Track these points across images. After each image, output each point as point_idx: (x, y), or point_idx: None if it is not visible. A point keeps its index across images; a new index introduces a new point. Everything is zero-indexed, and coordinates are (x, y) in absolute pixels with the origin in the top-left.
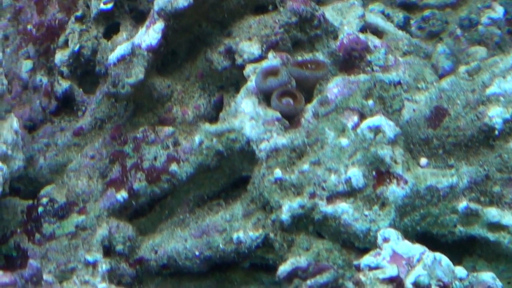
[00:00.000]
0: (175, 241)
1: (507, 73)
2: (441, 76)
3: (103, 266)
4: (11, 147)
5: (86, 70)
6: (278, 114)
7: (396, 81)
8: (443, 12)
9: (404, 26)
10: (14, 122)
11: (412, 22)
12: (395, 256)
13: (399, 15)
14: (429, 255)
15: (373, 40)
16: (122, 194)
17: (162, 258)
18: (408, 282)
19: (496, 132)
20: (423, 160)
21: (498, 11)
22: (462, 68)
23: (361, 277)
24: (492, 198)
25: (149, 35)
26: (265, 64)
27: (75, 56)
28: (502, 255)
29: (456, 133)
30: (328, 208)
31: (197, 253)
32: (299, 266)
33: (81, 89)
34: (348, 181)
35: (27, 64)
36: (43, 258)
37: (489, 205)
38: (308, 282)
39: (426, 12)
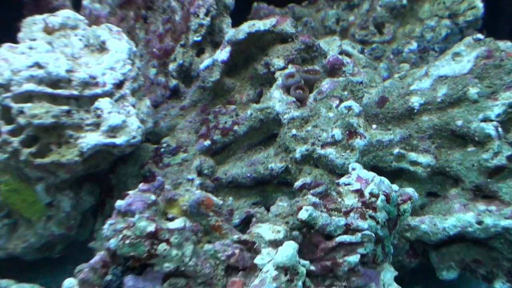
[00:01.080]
0: (236, 168)
1: (421, 78)
2: (384, 80)
3: (197, 181)
4: (145, 115)
5: (186, 74)
6: (294, 99)
7: (359, 81)
8: (383, 45)
9: (361, 52)
10: (147, 102)
11: (366, 50)
12: (359, 178)
13: (359, 47)
14: (377, 178)
15: (346, 59)
16: (207, 142)
17: (229, 178)
18: (366, 192)
19: (415, 111)
20: (374, 126)
21: (414, 45)
22: (396, 76)
23: (340, 189)
24: (412, 147)
25: (222, 54)
26: (286, 71)
27: (180, 66)
28: (417, 179)
29: (392, 111)
30: (321, 151)
31: (248, 175)
32: (306, 182)
33: (183, 85)
34: (333, 136)
35: (153, 71)
36: (163, 177)
37: (410, 151)
38: (311, 191)
39: (373, 45)
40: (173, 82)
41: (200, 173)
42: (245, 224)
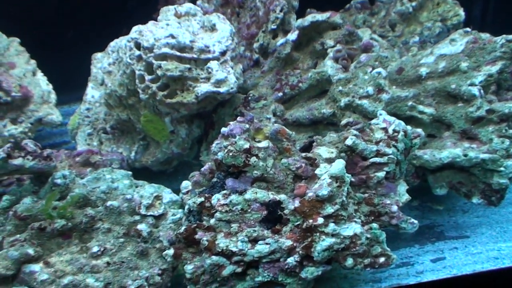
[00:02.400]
0: (299, 112)
1: (427, 56)
2: (400, 57)
3: (272, 119)
4: (239, 75)
5: (264, 51)
6: (340, 66)
7: (385, 56)
8: (395, 38)
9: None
10: (240, 66)
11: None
12: (384, 120)
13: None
14: (397, 121)
15: (374, 43)
16: (280, 94)
17: (293, 118)
18: (390, 129)
19: (423, 77)
20: (394, 87)
21: (416, 38)
22: (410, 54)
23: (372, 127)
24: (420, 102)
25: (292, 35)
26: (335, 48)
27: (261, 45)
28: (422, 123)
29: (407, 77)
30: (358, 102)
31: (307, 117)
32: (349, 121)
33: (262, 58)
34: (367, 92)
35: (242, 48)
36: (245, 117)
37: (419, 104)
38: (354, 127)
39: (389, 38)
40: (256, 56)
41: (274, 114)
42: (303, 150)
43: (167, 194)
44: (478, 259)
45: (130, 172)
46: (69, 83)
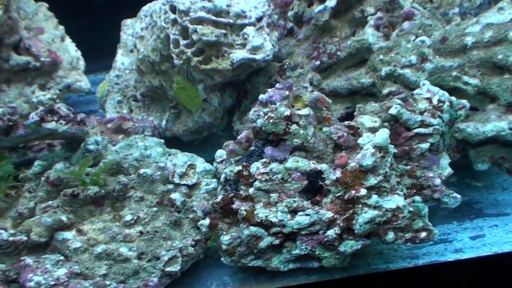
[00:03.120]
0: (336, 82)
1: (473, 25)
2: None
3: (309, 89)
4: (274, 42)
5: (298, 20)
6: (382, 34)
7: (429, 24)
8: (433, 9)
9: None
10: (276, 33)
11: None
12: (428, 91)
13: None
14: (441, 91)
15: (416, 11)
16: (317, 62)
17: (330, 88)
18: (435, 99)
19: (468, 47)
20: (437, 57)
21: (456, 10)
22: (453, 23)
23: (415, 97)
24: (465, 72)
25: (331, 2)
26: (376, 15)
27: (295, 14)
28: (465, 95)
29: (451, 47)
30: (400, 71)
31: (345, 86)
32: (392, 90)
33: (296, 27)
34: (409, 61)
35: (275, 17)
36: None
37: (463, 75)
38: (396, 96)
39: (427, 9)
40: (290, 24)
41: (311, 83)
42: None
43: (201, 163)
44: None
45: (162, 140)
46: (95, 52)
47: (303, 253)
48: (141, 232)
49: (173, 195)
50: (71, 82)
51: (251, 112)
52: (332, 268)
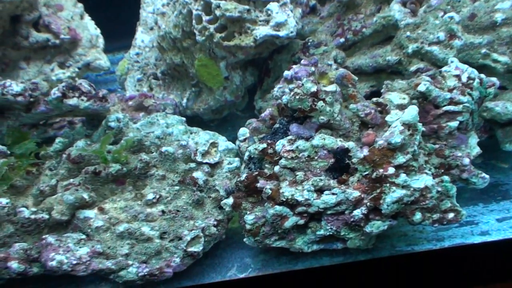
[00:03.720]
0: (361, 60)
1: (503, 1)
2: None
3: (333, 66)
4: (298, 19)
5: None
6: (409, 10)
7: (457, 0)
8: None
9: None
10: (299, 10)
11: None
12: (457, 68)
13: None
14: (470, 68)
15: None
16: (342, 39)
17: (355, 66)
18: (464, 76)
19: (497, 24)
20: (465, 34)
21: None
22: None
23: (444, 74)
24: (494, 50)
25: None
26: None
27: None
28: (494, 73)
29: (479, 24)
30: (428, 48)
31: (370, 64)
32: (419, 67)
33: (318, 4)
34: (437, 38)
35: None
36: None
37: (493, 52)
38: (425, 74)
39: None
40: (312, 2)
41: (335, 61)
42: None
43: (223, 142)
44: None
45: (184, 118)
46: (113, 31)
47: (328, 233)
48: (163, 211)
49: (196, 174)
50: (90, 60)
51: (275, 89)
52: (356, 250)
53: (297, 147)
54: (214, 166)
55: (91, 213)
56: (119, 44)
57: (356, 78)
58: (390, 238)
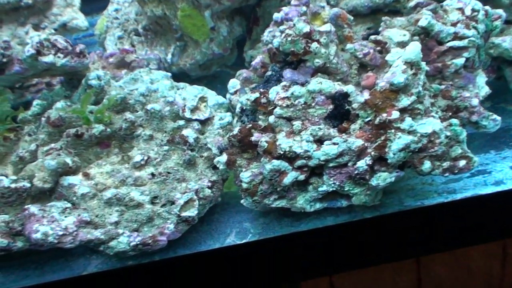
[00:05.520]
0: (356, 0)
1: None
2: None
3: (327, 8)
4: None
5: None
6: None
7: None
8: None
9: None
10: None
11: None
12: (459, 1)
13: None
14: (474, 0)
15: None
16: None
17: (349, 8)
18: (468, 9)
19: None
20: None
21: None
22: None
23: (446, 8)
24: None
25: None
26: None
27: None
28: (501, 5)
29: None
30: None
31: (365, 4)
32: (419, 2)
33: None
34: None
35: None
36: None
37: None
38: (425, 8)
39: None
40: None
41: (328, 2)
42: None
43: (213, 96)
44: None
45: (169, 73)
46: None
47: (330, 189)
48: (152, 174)
49: (185, 132)
50: (66, 20)
51: (265, 33)
52: (361, 207)
53: (292, 93)
54: (205, 122)
55: (75, 179)
56: (97, 5)
57: (352, 18)
58: (397, 193)
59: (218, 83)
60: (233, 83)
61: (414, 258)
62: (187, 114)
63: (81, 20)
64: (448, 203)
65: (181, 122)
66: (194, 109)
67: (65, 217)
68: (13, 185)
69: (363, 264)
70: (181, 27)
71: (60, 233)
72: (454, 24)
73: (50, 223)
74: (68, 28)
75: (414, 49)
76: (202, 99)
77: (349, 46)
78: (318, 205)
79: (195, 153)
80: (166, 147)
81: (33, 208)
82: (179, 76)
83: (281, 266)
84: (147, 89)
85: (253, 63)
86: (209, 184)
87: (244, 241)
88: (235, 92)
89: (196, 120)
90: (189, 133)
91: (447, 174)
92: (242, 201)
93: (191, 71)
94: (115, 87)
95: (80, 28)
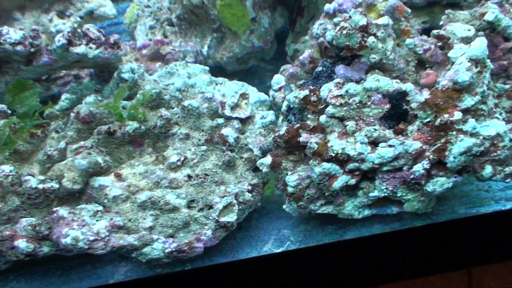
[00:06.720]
0: None
1: None
2: None
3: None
4: None
5: None
6: None
7: None
8: None
9: None
10: None
11: None
12: None
13: None
14: None
15: None
16: None
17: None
18: None
19: None
20: None
21: None
22: None
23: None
24: None
25: None
26: None
27: None
28: None
29: None
30: None
31: None
32: None
33: None
34: None
35: None
36: None
37: None
38: (490, 1)
39: None
40: None
41: None
42: None
43: (254, 93)
44: None
45: (207, 67)
46: None
47: (382, 195)
48: (189, 176)
49: (225, 131)
50: (93, 8)
51: (315, 26)
52: (412, 215)
53: (346, 91)
54: (245, 121)
55: (107, 180)
56: None
57: (409, 10)
58: (450, 199)
59: (255, 78)
60: (278, 79)
61: (466, 270)
62: (227, 112)
63: (109, 8)
64: (507, 212)
65: (220, 121)
66: (234, 107)
67: (97, 221)
68: (40, 186)
69: (411, 275)
70: (220, 17)
71: (91, 238)
72: None
73: (80, 227)
74: (95, 16)
75: (480, 45)
76: (243, 96)
77: (408, 41)
78: (367, 212)
79: (235, 154)
80: (203, 147)
81: (62, 211)
82: (213, 70)
83: (324, 276)
84: (184, 84)
85: (300, 57)
86: (250, 187)
87: (282, 249)
88: (280, 89)
89: (236, 118)
90: (229, 132)
91: (508, 180)
92: (284, 206)
93: (228, 65)
94: (149, 81)
95: (107, 16)
